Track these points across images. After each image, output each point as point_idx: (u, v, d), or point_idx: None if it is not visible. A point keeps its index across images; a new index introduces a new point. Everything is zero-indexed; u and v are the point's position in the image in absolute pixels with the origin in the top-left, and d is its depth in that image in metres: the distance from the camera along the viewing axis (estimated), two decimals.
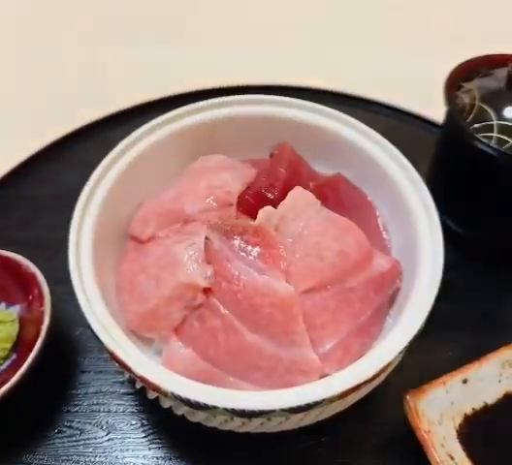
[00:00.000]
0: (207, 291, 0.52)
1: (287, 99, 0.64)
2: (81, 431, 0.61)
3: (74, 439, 0.60)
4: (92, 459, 0.59)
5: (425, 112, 0.87)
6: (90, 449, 0.60)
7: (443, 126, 0.69)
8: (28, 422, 0.61)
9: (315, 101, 0.65)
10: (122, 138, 0.61)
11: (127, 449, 0.60)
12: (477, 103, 0.62)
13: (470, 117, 0.62)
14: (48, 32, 1.09)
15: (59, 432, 0.61)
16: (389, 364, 0.48)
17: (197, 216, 0.56)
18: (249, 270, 0.51)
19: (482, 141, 0.59)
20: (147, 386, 0.47)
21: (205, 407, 0.45)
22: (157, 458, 0.59)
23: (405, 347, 0.48)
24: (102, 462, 0.59)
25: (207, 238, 0.53)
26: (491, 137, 0.59)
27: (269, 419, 0.48)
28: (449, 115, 0.65)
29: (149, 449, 0.60)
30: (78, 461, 0.59)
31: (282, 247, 0.52)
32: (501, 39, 0.69)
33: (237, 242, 0.52)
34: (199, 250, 0.52)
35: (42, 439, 0.60)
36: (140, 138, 0.61)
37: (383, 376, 0.52)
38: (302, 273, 0.52)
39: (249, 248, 0.52)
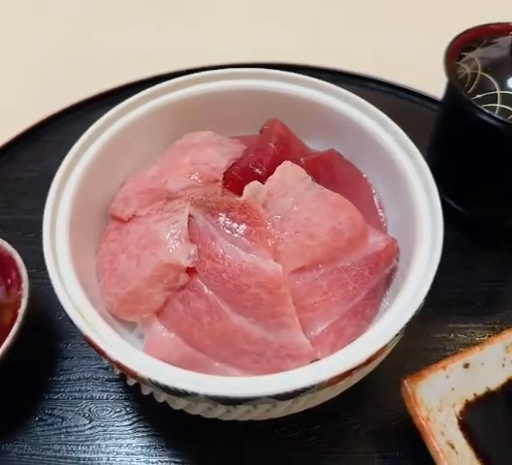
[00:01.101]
0: (190, 271, 0.49)
1: (278, 72, 0.61)
2: (63, 419, 0.58)
3: (55, 427, 0.58)
4: (74, 448, 0.57)
5: (424, 89, 0.85)
6: (72, 438, 0.57)
7: (444, 99, 0.66)
8: (7, 410, 0.59)
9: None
10: None
11: (110, 438, 0.57)
12: (479, 72, 0.59)
13: (472, 88, 0.59)
14: (33, 14, 1.07)
15: (40, 420, 0.58)
16: (383, 348, 0.45)
17: (180, 193, 0.53)
18: (235, 249, 0.48)
19: (485, 112, 0.56)
20: (124, 371, 0.44)
21: (184, 394, 0.42)
22: (142, 447, 0.57)
23: (401, 330, 0.45)
24: (84, 451, 0.57)
25: (190, 216, 0.50)
26: (494, 107, 0.57)
27: (254, 407, 0.45)
28: (450, 87, 0.62)
29: (134, 437, 0.57)
30: (59, 450, 0.57)
31: (270, 224, 0.49)
32: (502, 15, 0.66)
33: (222, 219, 0.49)
34: (182, 228, 0.50)
35: (22, 427, 0.58)
36: (120, 114, 0.58)
37: (377, 361, 0.49)
38: (291, 252, 0.49)
39: (235, 225, 0.49)
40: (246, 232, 0.48)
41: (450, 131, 0.66)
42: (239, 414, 0.48)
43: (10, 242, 0.61)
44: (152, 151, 0.60)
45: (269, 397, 0.41)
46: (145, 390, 0.49)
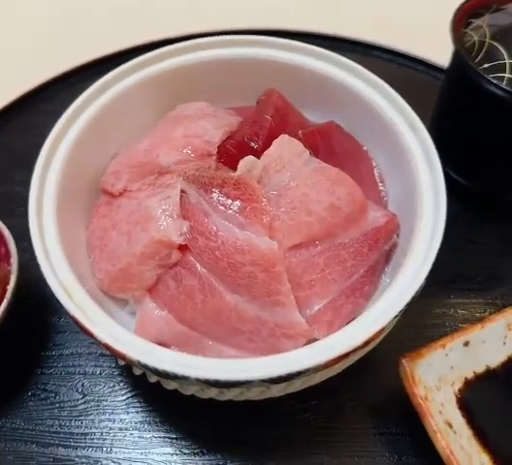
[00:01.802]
0: (182, 248, 0.48)
1: (275, 39, 0.59)
2: (56, 394, 0.58)
3: (48, 402, 0.58)
4: (67, 423, 0.57)
5: (429, 57, 0.81)
6: (65, 413, 0.57)
7: (449, 68, 0.64)
8: (0, 385, 0.58)
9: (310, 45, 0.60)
10: None
11: (104, 413, 0.57)
12: (487, 40, 0.57)
13: (480, 57, 0.56)
14: None
15: (33, 395, 0.58)
16: (381, 331, 0.43)
17: (172, 168, 0.51)
18: (229, 226, 0.47)
19: (493, 83, 0.54)
20: (113, 353, 0.43)
21: (175, 377, 0.41)
22: (135, 423, 0.56)
23: (400, 312, 0.44)
24: (78, 426, 0.56)
25: (182, 191, 0.48)
26: (502, 77, 0.54)
27: (248, 389, 0.45)
28: (456, 55, 0.60)
29: (127, 413, 0.57)
30: (52, 425, 0.57)
31: (266, 200, 0.47)
32: None
33: (215, 195, 0.47)
34: (174, 204, 0.48)
35: (14, 402, 0.58)
36: (111, 83, 0.56)
37: (375, 342, 0.48)
38: (287, 229, 0.48)
39: (229, 202, 0.47)
40: (241, 209, 0.47)
41: (455, 101, 0.64)
42: (232, 395, 0.47)
43: (1, 215, 0.60)
44: (145, 123, 0.58)
45: (262, 381, 0.40)
46: (137, 371, 0.49)
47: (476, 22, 0.59)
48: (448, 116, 0.66)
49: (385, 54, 0.84)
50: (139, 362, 0.41)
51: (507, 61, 0.54)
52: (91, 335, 0.43)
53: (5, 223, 0.59)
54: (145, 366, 0.41)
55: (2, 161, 0.75)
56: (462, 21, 0.59)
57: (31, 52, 0.91)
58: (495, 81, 0.53)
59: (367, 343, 0.43)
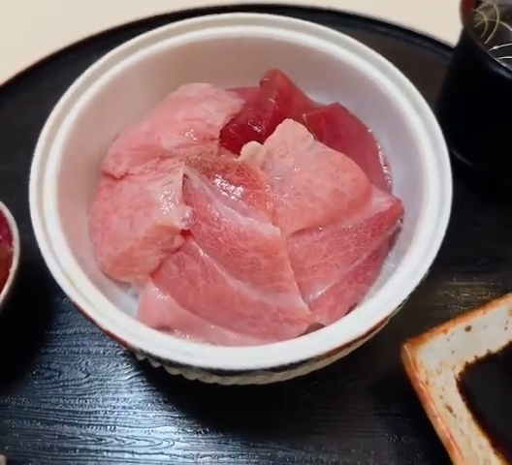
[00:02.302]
0: (185, 233, 0.48)
1: (279, 18, 0.58)
2: (60, 373, 0.59)
3: (52, 381, 0.59)
4: (72, 402, 0.58)
5: (438, 34, 0.80)
6: (69, 392, 0.58)
7: (457, 48, 0.63)
8: (4, 365, 0.59)
9: (314, 22, 0.58)
10: None
11: (107, 392, 0.58)
12: (498, 21, 0.55)
13: (489, 38, 0.55)
14: None
15: (37, 374, 0.59)
16: (385, 319, 0.44)
17: (174, 151, 0.51)
18: (232, 212, 0.47)
19: (502, 66, 0.52)
20: (115, 341, 0.44)
21: (177, 365, 0.41)
22: (138, 402, 0.58)
23: (405, 300, 0.44)
24: (82, 405, 0.58)
25: (185, 176, 0.48)
26: None
27: (250, 376, 0.45)
28: (465, 35, 0.58)
29: (131, 392, 0.58)
30: (57, 403, 0.58)
31: (269, 186, 0.47)
32: None
33: (218, 181, 0.47)
34: (176, 189, 0.48)
35: (20, 380, 0.59)
36: (112, 62, 0.56)
37: (378, 330, 0.47)
38: (290, 215, 0.48)
39: (232, 187, 0.47)
40: (244, 195, 0.47)
41: (462, 82, 0.63)
42: (236, 381, 0.48)
43: (2, 195, 0.60)
44: (145, 103, 0.58)
45: (264, 369, 0.41)
46: (139, 357, 0.49)
47: (486, 2, 0.57)
48: (455, 97, 0.65)
49: (393, 31, 0.82)
50: (141, 350, 0.42)
51: None
52: (93, 322, 0.43)
53: (4, 202, 0.59)
54: (148, 354, 0.42)
55: (2, 139, 0.74)
56: (471, 0, 0.58)
57: (32, 27, 0.89)
58: (504, 64, 0.52)
59: (369, 332, 0.43)
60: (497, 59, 0.53)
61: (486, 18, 0.56)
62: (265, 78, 0.55)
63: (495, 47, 0.54)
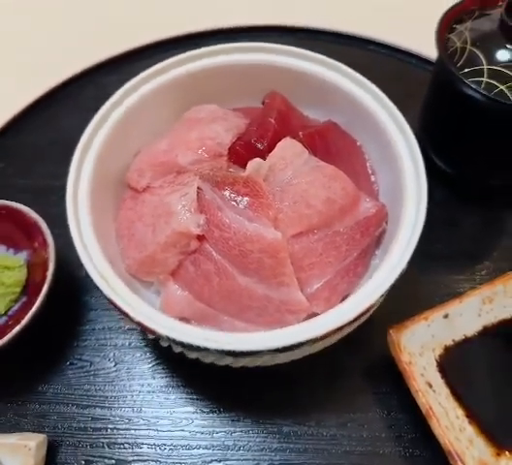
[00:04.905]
0: (200, 238, 0.55)
1: (281, 46, 0.64)
2: (91, 363, 0.66)
3: (84, 370, 0.66)
4: (102, 388, 0.65)
5: (426, 52, 0.85)
6: (100, 379, 0.65)
7: (434, 69, 0.69)
8: (42, 357, 0.66)
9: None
10: (120, 83, 0.62)
11: (133, 379, 0.65)
12: (468, 47, 0.61)
13: (461, 61, 0.61)
14: None
15: (71, 364, 0.66)
16: (370, 308, 0.51)
17: (189, 167, 0.58)
18: (239, 219, 0.53)
19: (471, 87, 0.58)
20: (145, 330, 0.51)
21: (197, 349, 0.49)
22: (161, 386, 0.65)
23: (386, 291, 0.51)
24: (111, 390, 0.65)
25: (199, 189, 0.55)
26: (480, 82, 0.59)
27: (257, 357, 0.52)
28: (440, 59, 0.64)
29: (154, 377, 0.65)
30: (89, 389, 0.65)
31: (271, 196, 0.54)
32: None
33: (227, 193, 0.54)
34: (192, 200, 0.55)
35: (55, 371, 0.66)
36: (136, 86, 0.62)
37: (365, 317, 0.55)
38: (290, 220, 0.54)
39: (239, 198, 0.54)
40: (250, 204, 0.53)
41: (439, 100, 0.68)
42: (246, 362, 0.55)
43: (32, 206, 0.66)
44: (163, 123, 0.64)
45: (269, 351, 0.48)
46: (164, 343, 0.56)
47: (459, 28, 0.63)
48: (434, 112, 0.71)
49: (383, 49, 0.87)
50: (167, 337, 0.49)
51: (485, 67, 0.59)
52: (126, 315, 0.50)
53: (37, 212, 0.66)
54: (173, 340, 0.49)
55: (28, 154, 0.80)
56: (446, 27, 0.63)
57: (50, 49, 0.94)
58: (473, 86, 0.58)
59: (357, 318, 0.50)
60: (468, 81, 0.58)
61: (459, 44, 0.61)
62: (266, 100, 0.62)
63: (466, 70, 0.60)
